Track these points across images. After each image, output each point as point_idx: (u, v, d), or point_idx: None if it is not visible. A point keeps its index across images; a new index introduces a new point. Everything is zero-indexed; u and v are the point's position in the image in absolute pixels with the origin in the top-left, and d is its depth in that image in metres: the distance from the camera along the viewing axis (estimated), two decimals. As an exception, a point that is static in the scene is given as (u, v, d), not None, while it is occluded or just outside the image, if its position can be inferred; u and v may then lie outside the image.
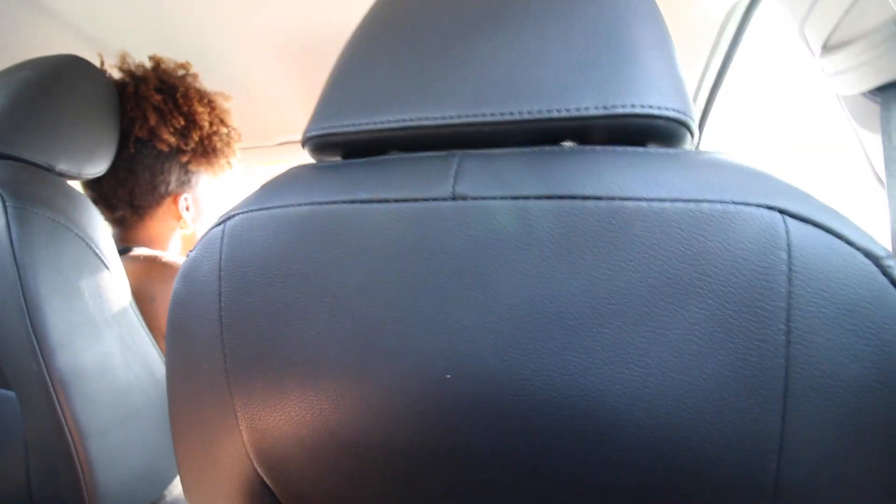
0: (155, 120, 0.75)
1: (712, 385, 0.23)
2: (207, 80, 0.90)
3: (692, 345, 0.24)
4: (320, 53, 0.89)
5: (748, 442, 0.23)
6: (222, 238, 0.32)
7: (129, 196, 0.78)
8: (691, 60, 0.80)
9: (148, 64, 0.80)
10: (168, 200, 0.82)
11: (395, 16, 0.34)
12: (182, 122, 0.77)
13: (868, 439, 0.23)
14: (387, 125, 0.30)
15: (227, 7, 0.79)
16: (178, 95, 0.78)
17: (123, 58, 0.78)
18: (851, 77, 0.43)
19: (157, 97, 0.76)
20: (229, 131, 0.85)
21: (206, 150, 0.82)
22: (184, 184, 0.82)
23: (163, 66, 0.80)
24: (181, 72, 0.81)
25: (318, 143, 0.33)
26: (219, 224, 0.33)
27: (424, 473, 0.29)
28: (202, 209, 0.88)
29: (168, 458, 0.67)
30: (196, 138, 0.79)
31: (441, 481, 0.29)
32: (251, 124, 1.20)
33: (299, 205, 0.31)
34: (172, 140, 0.77)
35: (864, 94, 0.44)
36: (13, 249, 0.54)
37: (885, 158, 0.42)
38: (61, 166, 0.64)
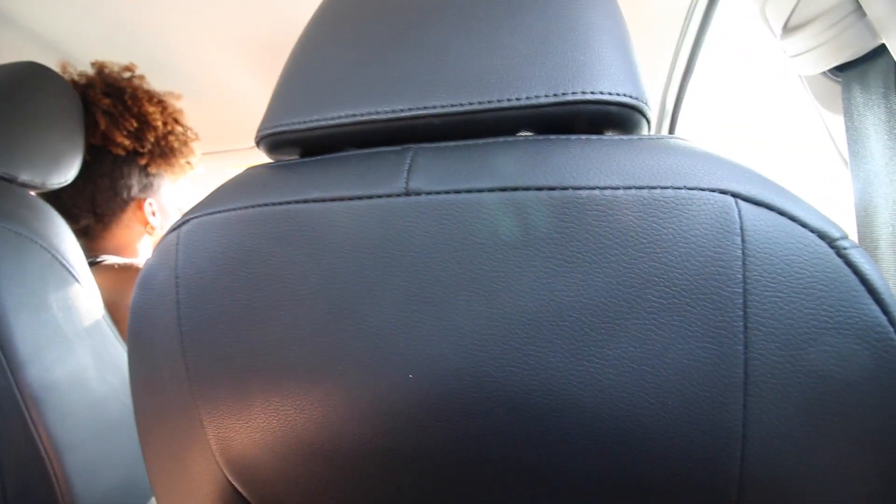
0: (105, 124, 0.74)
1: (673, 374, 0.23)
2: (178, 85, 0.89)
3: (651, 334, 0.23)
4: (288, 52, 0.88)
5: (711, 430, 0.23)
6: (177, 244, 0.32)
7: (90, 204, 0.77)
8: (661, 48, 0.80)
9: (91, 71, 0.78)
10: (132, 206, 0.80)
11: (345, 10, 0.33)
12: (135, 124, 0.76)
13: (831, 423, 0.23)
14: (339, 121, 0.30)
15: (195, 10, 0.78)
16: (127, 97, 0.77)
17: (64, 67, 0.77)
18: (812, 57, 0.44)
19: (106, 101, 0.74)
20: (185, 130, 0.84)
21: (164, 151, 0.81)
22: (146, 188, 0.81)
23: (107, 69, 0.78)
24: (127, 74, 0.80)
25: (273, 141, 0.32)
26: (173, 230, 0.32)
27: (393, 475, 0.29)
28: (168, 214, 0.87)
29: (148, 469, 0.66)
30: (151, 139, 0.78)
31: (410, 483, 0.29)
32: (225, 128, 1.18)
33: (253, 206, 0.30)
34: (127, 143, 0.76)
35: (825, 75, 0.44)
36: None
37: (847, 139, 0.42)
38: (24, 177, 0.62)
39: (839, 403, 0.23)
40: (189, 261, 0.31)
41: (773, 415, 0.23)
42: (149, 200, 0.81)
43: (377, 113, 0.29)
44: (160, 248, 0.33)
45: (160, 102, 0.81)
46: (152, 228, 0.83)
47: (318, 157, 0.32)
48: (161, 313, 0.32)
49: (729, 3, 0.65)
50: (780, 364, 0.23)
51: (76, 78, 0.77)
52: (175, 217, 0.88)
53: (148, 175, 0.81)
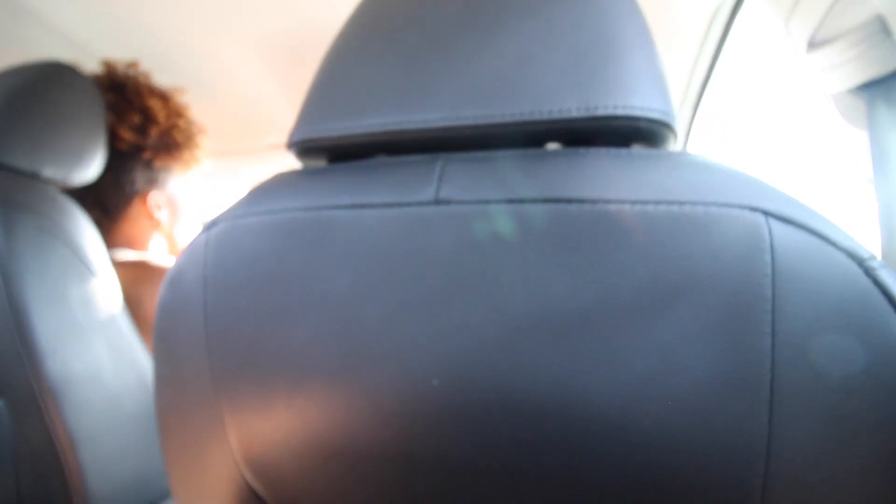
0: (111, 119, 0.75)
1: (699, 388, 0.23)
2: (195, 83, 0.90)
3: (678, 348, 0.24)
4: (308, 54, 0.88)
5: (736, 445, 0.23)
6: (206, 245, 0.32)
7: (96, 199, 0.78)
8: (678, 61, 0.80)
9: (100, 70, 0.80)
10: (137, 200, 0.81)
11: (378, 18, 0.34)
12: (137, 119, 0.77)
13: (855, 440, 0.23)
14: (371, 129, 0.30)
15: (213, 9, 0.79)
16: (129, 92, 0.78)
17: (75, 64, 0.78)
18: (837, 74, 0.43)
19: (110, 96, 0.75)
20: (189, 124, 0.84)
21: (168, 145, 0.81)
22: (151, 182, 0.82)
23: (112, 67, 0.80)
24: (131, 71, 0.81)
25: (303, 147, 0.33)
26: (203, 231, 0.33)
27: (414, 480, 0.29)
28: (180, 209, 0.87)
29: (160, 465, 0.66)
30: (154, 133, 0.79)
31: (430, 488, 0.29)
32: (240, 126, 1.19)
33: (283, 211, 0.30)
34: (129, 136, 0.76)
35: (850, 91, 0.44)
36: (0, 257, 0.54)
37: (871, 155, 0.42)
38: (47, 173, 0.63)
39: (864, 422, 0.23)
40: (218, 262, 0.31)
41: (798, 431, 0.23)
42: (153, 194, 0.82)
43: (409, 122, 0.29)
44: (190, 248, 0.33)
45: (162, 96, 0.82)
46: (158, 223, 0.83)
47: (349, 164, 0.32)
48: (188, 312, 0.32)
49: (751, 16, 0.65)
50: (807, 381, 0.23)
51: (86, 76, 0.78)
52: (186, 214, 0.88)
53: (153, 169, 0.81)
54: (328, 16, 0.79)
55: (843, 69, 0.42)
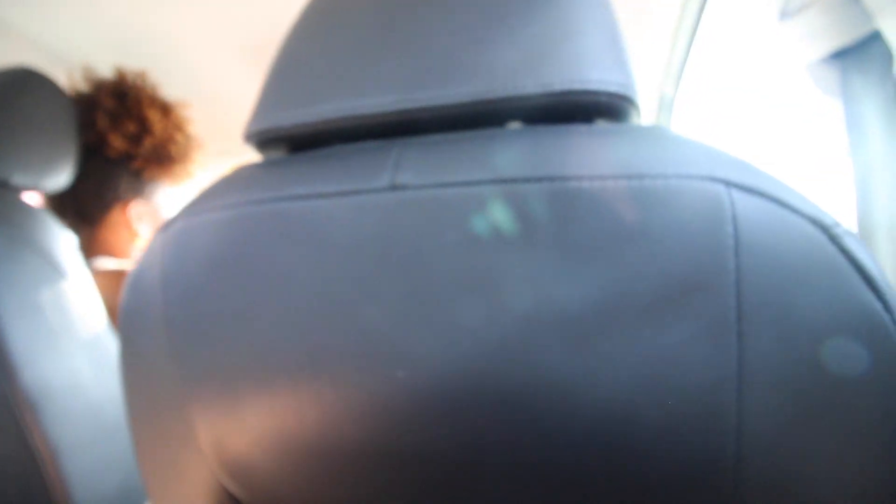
0: (104, 123, 0.73)
1: (668, 368, 0.23)
2: (180, 90, 0.88)
3: (645, 328, 0.23)
4: None
5: (706, 423, 0.23)
6: (163, 245, 0.31)
7: (74, 203, 0.76)
8: (658, 37, 0.79)
9: (107, 75, 0.79)
10: (117, 208, 0.79)
11: (331, 6, 0.33)
12: (133, 127, 0.76)
13: (827, 415, 0.22)
14: (325, 116, 0.29)
15: (196, 13, 0.77)
16: (129, 100, 0.76)
17: (88, 71, 0.78)
18: (810, 43, 0.43)
19: (110, 101, 0.74)
20: (187, 141, 0.83)
21: (161, 158, 0.80)
22: (135, 192, 0.80)
23: (121, 74, 0.79)
24: (139, 81, 0.80)
25: (261, 138, 0.32)
26: (160, 231, 0.32)
27: (390, 475, 0.28)
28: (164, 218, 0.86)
29: (146, 473, 0.66)
30: (148, 144, 0.77)
31: (407, 483, 0.28)
32: (229, 132, 1.18)
33: (238, 205, 0.29)
34: (120, 144, 0.75)
35: (824, 60, 0.44)
36: None
37: (846, 125, 0.41)
38: (17, 179, 0.62)
39: (835, 394, 0.22)
40: (174, 262, 0.31)
41: (768, 406, 0.22)
42: (134, 204, 0.80)
43: (363, 107, 0.28)
44: (147, 250, 0.32)
45: (164, 108, 0.80)
46: (135, 233, 0.81)
47: (305, 154, 0.31)
48: (148, 316, 0.31)
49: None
50: (775, 355, 0.22)
51: (85, 82, 0.77)
52: None
53: (140, 180, 0.80)
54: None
55: (815, 38, 0.42)
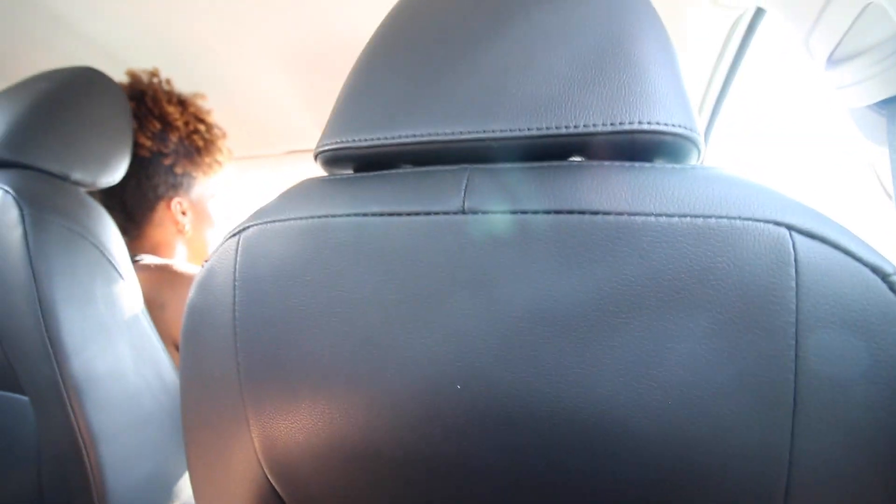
0: (135, 126, 0.76)
1: (721, 399, 0.24)
2: (213, 91, 0.91)
3: (700, 358, 0.24)
4: (327, 62, 0.90)
5: (758, 456, 0.24)
6: (237, 248, 0.33)
7: (121, 205, 0.80)
8: (695, 73, 0.80)
9: (125, 80, 0.82)
10: (161, 206, 0.82)
11: (405, 31, 0.35)
12: (157, 126, 0.79)
13: (878, 454, 0.23)
14: (398, 140, 0.31)
15: (234, 17, 0.80)
16: (148, 99, 0.79)
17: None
18: (857, 90, 0.44)
19: (131, 104, 0.77)
20: (209, 129, 0.86)
21: (189, 151, 0.83)
22: (174, 187, 0.83)
23: (135, 76, 0.82)
24: (154, 79, 0.82)
25: (330, 156, 0.34)
26: (234, 234, 0.34)
27: (433, 484, 0.29)
28: (205, 214, 0.88)
29: (176, 464, 0.67)
30: (175, 139, 0.80)
31: (449, 492, 0.29)
32: (258, 133, 1.21)
33: (313, 217, 0.31)
34: (150, 144, 0.78)
35: (870, 108, 0.44)
36: (30, 257, 0.55)
37: (892, 171, 0.42)
38: (76, 175, 0.65)
39: (887, 434, 0.23)
40: (248, 265, 0.32)
41: (821, 444, 0.23)
42: (177, 200, 0.83)
43: (437, 134, 0.30)
44: (220, 251, 0.34)
45: (181, 102, 0.83)
46: (183, 227, 0.84)
47: (376, 173, 0.33)
48: (218, 314, 0.33)
49: (769, 31, 0.65)
50: (830, 395, 0.23)
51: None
52: (213, 218, 0.90)
53: (175, 175, 0.83)
54: (346, 25, 0.80)
55: (864, 85, 0.43)
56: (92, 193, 0.79)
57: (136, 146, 0.77)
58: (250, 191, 1.42)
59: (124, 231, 0.81)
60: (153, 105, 0.79)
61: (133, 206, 0.80)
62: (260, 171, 1.37)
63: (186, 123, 0.82)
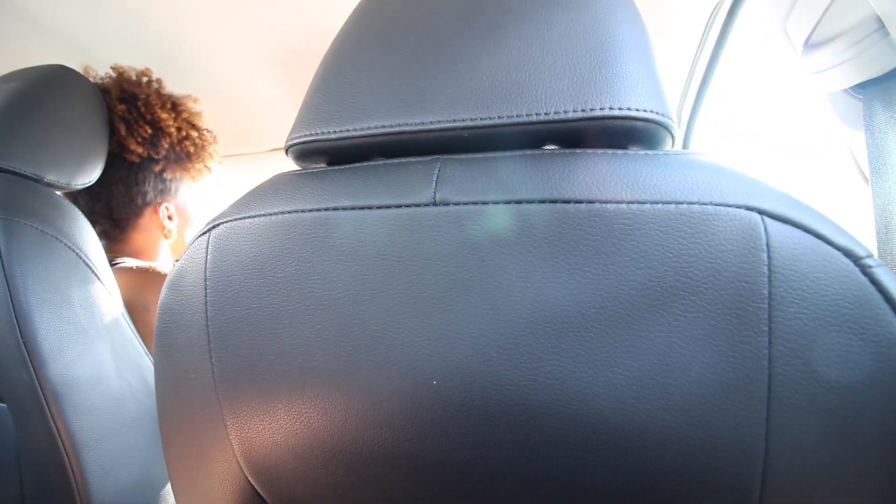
0: (124, 131, 0.74)
1: (696, 388, 0.24)
2: (195, 88, 0.90)
3: (675, 347, 0.24)
4: (308, 58, 0.89)
5: (734, 444, 0.24)
6: (207, 247, 0.32)
7: (106, 210, 0.78)
8: (677, 61, 0.80)
9: (112, 75, 0.79)
10: (148, 211, 0.81)
11: (376, 21, 0.34)
12: (148, 131, 0.76)
13: (855, 439, 0.23)
14: (369, 132, 0.30)
15: (213, 14, 0.79)
16: (140, 104, 0.77)
17: (86, 71, 0.78)
18: (834, 74, 0.44)
19: (121, 107, 0.75)
20: (201, 134, 0.84)
21: (179, 156, 0.81)
22: (162, 192, 0.82)
23: (125, 75, 0.79)
24: (144, 79, 0.80)
25: (302, 150, 0.33)
26: (203, 233, 0.33)
27: (414, 480, 0.29)
28: (189, 217, 0.87)
29: (162, 468, 0.67)
30: (166, 145, 0.78)
31: (430, 487, 0.29)
32: (241, 131, 1.20)
33: (283, 212, 0.31)
34: (141, 150, 0.76)
35: (846, 92, 0.45)
36: (2, 262, 0.54)
37: (868, 156, 0.42)
38: (50, 177, 0.64)
39: (863, 421, 0.23)
40: (218, 263, 0.32)
41: (796, 430, 0.23)
42: (165, 205, 0.82)
43: (408, 125, 0.29)
44: (190, 250, 0.33)
45: (174, 107, 0.81)
46: (169, 232, 0.83)
47: (347, 166, 0.33)
48: (189, 314, 0.33)
49: (748, 17, 0.65)
50: (804, 380, 0.23)
51: (99, 82, 0.78)
52: (195, 220, 0.89)
53: (164, 180, 0.81)
54: (331, 22, 0.79)
55: (840, 69, 0.43)
56: (77, 199, 0.77)
57: (127, 152, 0.75)
58: (233, 190, 1.41)
59: (107, 235, 0.80)
60: (146, 110, 0.77)
61: (120, 212, 0.79)
62: (244, 169, 1.36)
63: (179, 129, 0.80)
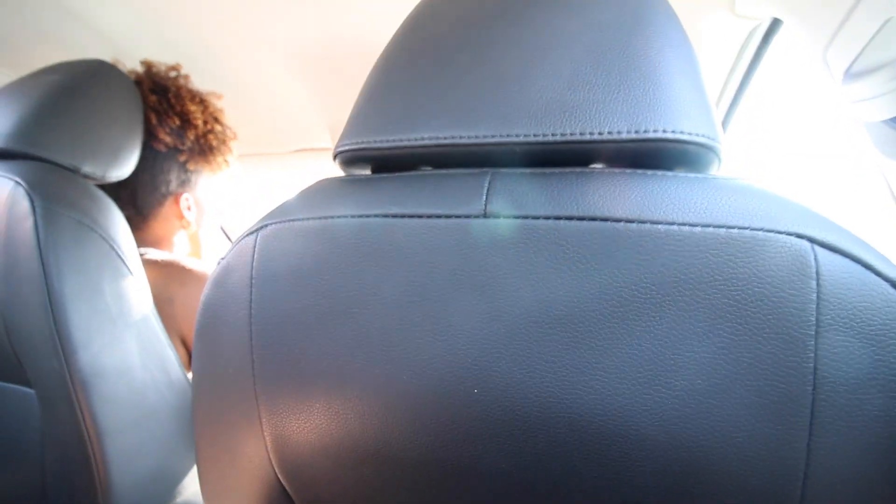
0: (154, 120, 0.77)
1: (738, 409, 0.24)
2: (225, 86, 0.92)
3: (720, 369, 0.24)
4: (335, 61, 0.90)
5: (773, 468, 0.24)
6: (255, 247, 0.33)
7: (131, 197, 0.80)
8: (709, 81, 0.80)
9: (140, 69, 0.82)
10: (170, 200, 0.83)
11: (426, 36, 0.35)
12: (177, 122, 0.79)
13: (894, 468, 0.23)
14: (420, 142, 0.31)
15: (244, 14, 0.81)
16: (171, 95, 0.80)
17: (115, 63, 0.80)
18: (874, 105, 0.44)
19: (153, 98, 0.78)
20: (224, 129, 0.87)
21: (203, 149, 0.84)
22: (184, 183, 0.84)
23: (154, 68, 0.82)
24: (173, 73, 0.83)
25: (350, 156, 0.34)
26: (251, 233, 0.34)
27: (444, 487, 0.29)
28: (204, 209, 0.89)
29: (180, 460, 0.67)
30: (192, 137, 0.81)
31: (460, 496, 0.29)
32: (266, 131, 1.21)
33: (331, 217, 0.31)
34: (169, 140, 0.79)
35: (886, 122, 0.45)
36: (40, 250, 0.55)
37: (906, 186, 0.42)
38: (87, 168, 0.65)
39: None
40: (265, 264, 0.32)
41: (837, 457, 0.23)
42: (185, 195, 0.84)
43: (460, 137, 0.30)
44: (237, 248, 0.34)
45: (202, 101, 0.84)
46: (187, 223, 0.85)
47: (395, 175, 0.33)
48: (233, 311, 0.33)
49: (786, 43, 0.65)
50: (848, 407, 0.23)
51: (127, 74, 0.80)
52: (210, 213, 0.90)
53: (186, 171, 0.84)
54: (358, 25, 0.81)
55: (880, 100, 0.43)
56: (103, 186, 0.79)
57: (155, 140, 0.78)
58: (257, 188, 1.42)
59: (130, 223, 0.81)
60: (176, 101, 0.80)
61: (143, 200, 0.81)
62: (267, 169, 1.37)
63: (205, 122, 0.83)
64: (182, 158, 0.82)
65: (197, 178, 0.86)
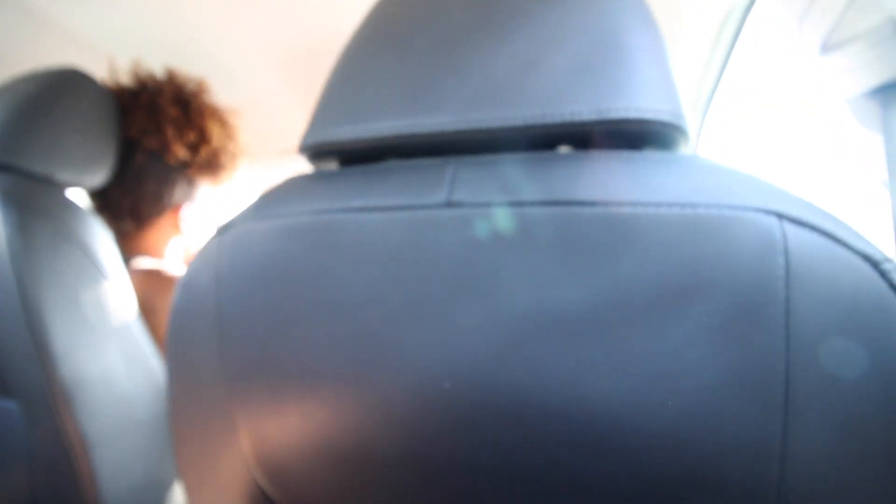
0: (171, 133, 0.76)
1: (712, 391, 0.23)
2: (216, 94, 0.91)
3: (691, 351, 0.23)
4: (322, 60, 0.89)
5: (750, 448, 0.23)
6: (220, 249, 0.32)
7: (132, 206, 0.79)
8: (689, 63, 0.80)
9: (159, 74, 0.80)
10: (170, 211, 0.82)
11: (389, 23, 0.34)
12: (193, 137, 0.78)
13: (871, 445, 0.23)
14: (382, 132, 0.30)
15: (228, 14, 0.80)
16: (193, 110, 0.79)
17: (137, 65, 0.79)
18: (851, 76, 0.43)
19: (173, 111, 0.76)
20: (235, 148, 0.86)
21: (212, 166, 0.83)
22: (187, 196, 0.83)
23: (177, 79, 0.80)
24: (198, 89, 0.82)
25: (316, 151, 0.33)
26: (216, 235, 0.33)
27: (425, 483, 0.29)
28: (200, 218, 0.88)
29: (169, 469, 0.67)
30: (205, 154, 0.80)
31: (441, 492, 0.29)
32: (252, 131, 1.20)
33: (295, 214, 0.31)
34: (182, 153, 0.78)
35: (864, 94, 0.44)
36: (13, 260, 0.54)
37: (886, 159, 0.41)
38: (60, 176, 0.64)
39: (880, 427, 0.22)
40: (231, 265, 0.32)
41: (813, 434, 0.23)
42: (186, 206, 0.83)
43: (420, 126, 0.29)
44: (203, 251, 0.33)
45: (220, 119, 0.83)
46: (184, 234, 0.85)
47: (359, 168, 0.32)
48: (201, 314, 0.33)
49: (763, 18, 0.64)
50: (821, 384, 0.23)
51: (146, 79, 0.79)
52: (205, 221, 0.89)
53: (192, 185, 0.83)
54: (340, 22, 0.80)
55: (857, 72, 0.42)
56: (106, 193, 0.78)
57: (168, 153, 0.77)
58: (241, 191, 1.41)
59: (124, 232, 0.81)
60: (196, 117, 0.79)
61: (145, 209, 0.80)
62: (252, 170, 1.36)
63: (220, 140, 0.82)
64: (190, 172, 0.81)
65: (199, 191, 0.85)
